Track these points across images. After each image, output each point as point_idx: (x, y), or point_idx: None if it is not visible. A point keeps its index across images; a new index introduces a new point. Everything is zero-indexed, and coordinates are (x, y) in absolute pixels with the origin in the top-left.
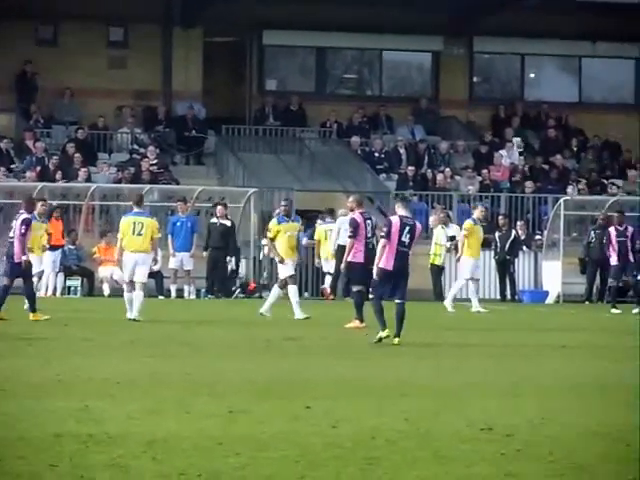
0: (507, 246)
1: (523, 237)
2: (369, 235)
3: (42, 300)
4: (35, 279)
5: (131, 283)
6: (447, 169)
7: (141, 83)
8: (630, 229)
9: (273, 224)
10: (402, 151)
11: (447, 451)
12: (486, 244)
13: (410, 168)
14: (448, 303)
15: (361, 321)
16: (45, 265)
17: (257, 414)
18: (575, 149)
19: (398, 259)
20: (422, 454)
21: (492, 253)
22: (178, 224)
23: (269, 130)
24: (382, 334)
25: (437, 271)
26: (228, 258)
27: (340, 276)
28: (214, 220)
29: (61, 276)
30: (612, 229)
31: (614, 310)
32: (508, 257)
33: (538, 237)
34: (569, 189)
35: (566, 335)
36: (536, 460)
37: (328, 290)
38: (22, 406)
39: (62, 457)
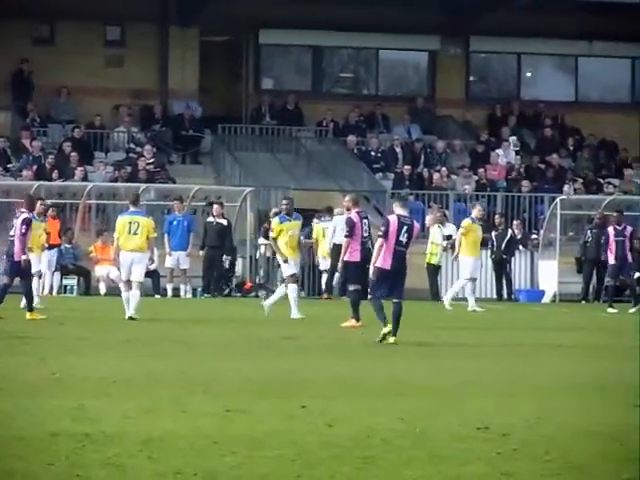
0: (503, 245)
1: (519, 236)
2: (365, 234)
3: (40, 299)
4: (35, 279)
5: (128, 282)
6: (443, 168)
7: (138, 82)
8: (629, 229)
9: (275, 223)
10: (398, 150)
11: (443, 450)
12: (483, 243)
13: (406, 167)
14: (447, 301)
15: (357, 320)
16: (41, 264)
17: (253, 413)
18: (571, 148)
19: (396, 259)
20: (418, 453)
21: (489, 252)
22: (174, 223)
23: (265, 129)
24: (385, 330)
25: (433, 270)
26: (224, 257)
27: (335, 275)
28: (210, 219)
29: (57, 275)
30: (611, 229)
31: (610, 309)
32: (504, 256)
33: (534, 236)
34: (565, 188)
35: (562, 334)
36: (532, 459)
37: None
38: (18, 405)
39: (58, 456)
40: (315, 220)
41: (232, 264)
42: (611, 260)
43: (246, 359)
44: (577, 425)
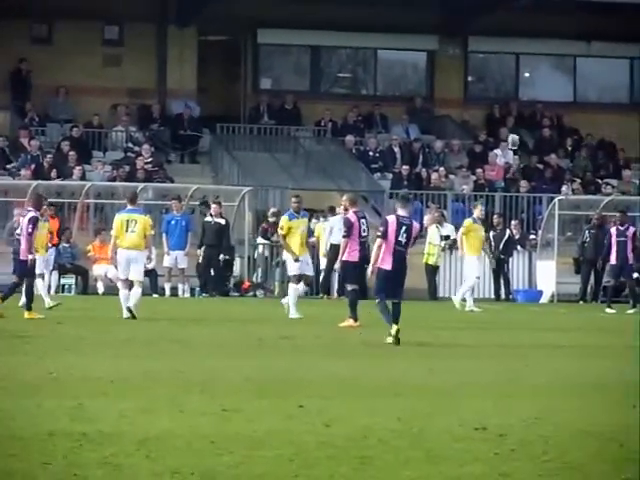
0: (501, 245)
1: (517, 237)
2: (363, 234)
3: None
4: (40, 280)
5: (125, 281)
6: (442, 168)
7: (136, 81)
8: (631, 229)
9: (284, 221)
10: (397, 150)
11: (440, 451)
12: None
13: (404, 167)
14: (457, 301)
15: (355, 320)
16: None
17: (251, 412)
18: (570, 149)
19: (396, 259)
20: (415, 454)
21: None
22: (172, 222)
23: (264, 129)
24: (392, 331)
25: (431, 270)
26: (220, 256)
27: (332, 274)
28: (209, 218)
29: (55, 274)
30: (613, 229)
31: (609, 310)
32: (502, 256)
33: (532, 237)
34: (564, 189)
35: (560, 335)
36: (530, 460)
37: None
38: (16, 404)
39: (55, 455)
40: (314, 220)
41: (229, 263)
42: (612, 260)
43: (244, 359)
44: (575, 425)
